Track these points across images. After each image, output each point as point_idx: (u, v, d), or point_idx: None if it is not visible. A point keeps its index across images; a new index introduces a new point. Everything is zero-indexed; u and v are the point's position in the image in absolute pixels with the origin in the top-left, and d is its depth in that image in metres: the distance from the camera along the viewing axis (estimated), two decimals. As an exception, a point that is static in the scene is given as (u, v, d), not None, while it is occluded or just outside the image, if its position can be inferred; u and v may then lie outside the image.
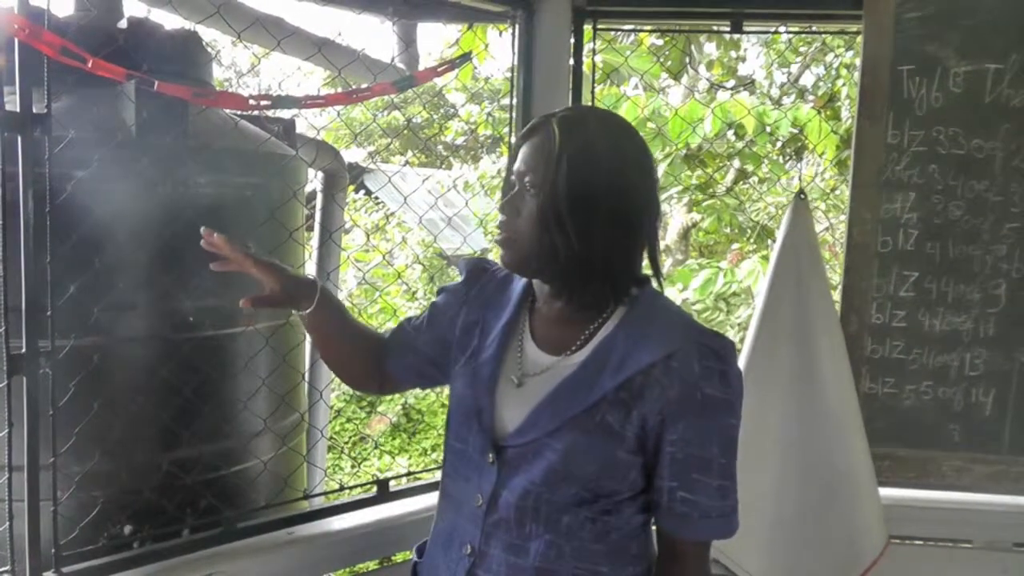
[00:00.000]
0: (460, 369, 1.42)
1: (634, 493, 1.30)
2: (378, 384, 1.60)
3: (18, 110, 1.54)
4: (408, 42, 2.99)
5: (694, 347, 1.25)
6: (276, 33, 2.41)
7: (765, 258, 5.73)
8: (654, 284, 1.37)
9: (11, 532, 1.62)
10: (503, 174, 1.35)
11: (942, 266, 2.35)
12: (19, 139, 1.54)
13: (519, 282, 1.44)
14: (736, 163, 6.79)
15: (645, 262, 1.35)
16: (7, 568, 1.63)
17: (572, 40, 2.39)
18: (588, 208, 1.23)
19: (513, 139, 2.33)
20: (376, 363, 1.55)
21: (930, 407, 2.40)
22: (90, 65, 1.54)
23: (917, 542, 2.46)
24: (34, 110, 1.56)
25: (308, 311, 1.46)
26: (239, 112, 2.29)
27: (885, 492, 2.30)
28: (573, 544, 1.27)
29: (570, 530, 1.27)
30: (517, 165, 1.30)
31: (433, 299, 1.55)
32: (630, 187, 1.27)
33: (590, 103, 2.50)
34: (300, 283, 1.47)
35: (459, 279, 1.53)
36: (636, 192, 1.28)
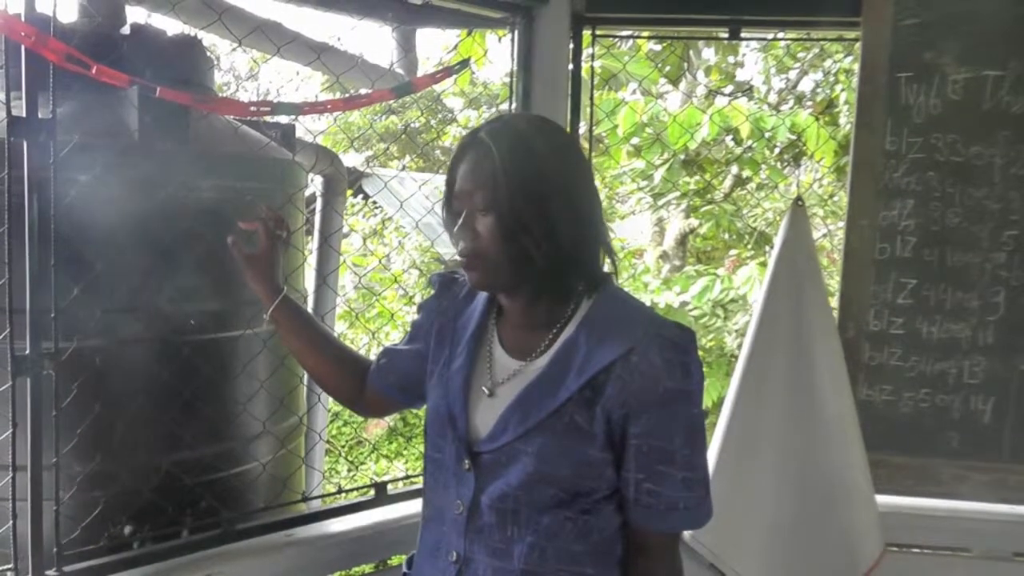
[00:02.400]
0: (434, 380, 1.45)
1: (611, 491, 1.31)
2: (364, 403, 1.65)
3: (24, 115, 1.55)
4: (407, 48, 3.00)
5: (654, 340, 1.27)
6: (276, 38, 2.42)
7: (763, 264, 5.74)
8: (612, 278, 1.39)
9: (14, 531, 1.62)
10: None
11: (940, 273, 2.36)
12: (25, 144, 1.55)
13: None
14: (734, 169, 6.80)
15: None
16: (10, 566, 1.63)
17: (571, 46, 2.40)
18: (544, 207, 1.26)
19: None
20: (359, 382, 1.62)
21: (928, 414, 2.40)
22: (94, 71, 1.55)
23: (914, 550, 2.46)
24: (40, 115, 1.57)
25: (268, 311, 1.61)
26: (239, 117, 2.30)
27: (882, 499, 2.29)
28: (556, 545, 1.29)
29: (551, 531, 1.29)
30: (459, 186, 1.31)
31: (414, 317, 1.59)
32: (572, 177, 1.31)
33: (589, 108, 2.51)
34: (274, 283, 1.63)
35: (432, 293, 1.57)
36: (579, 180, 1.32)
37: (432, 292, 1.56)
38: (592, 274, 1.34)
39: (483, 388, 1.37)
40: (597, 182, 1.42)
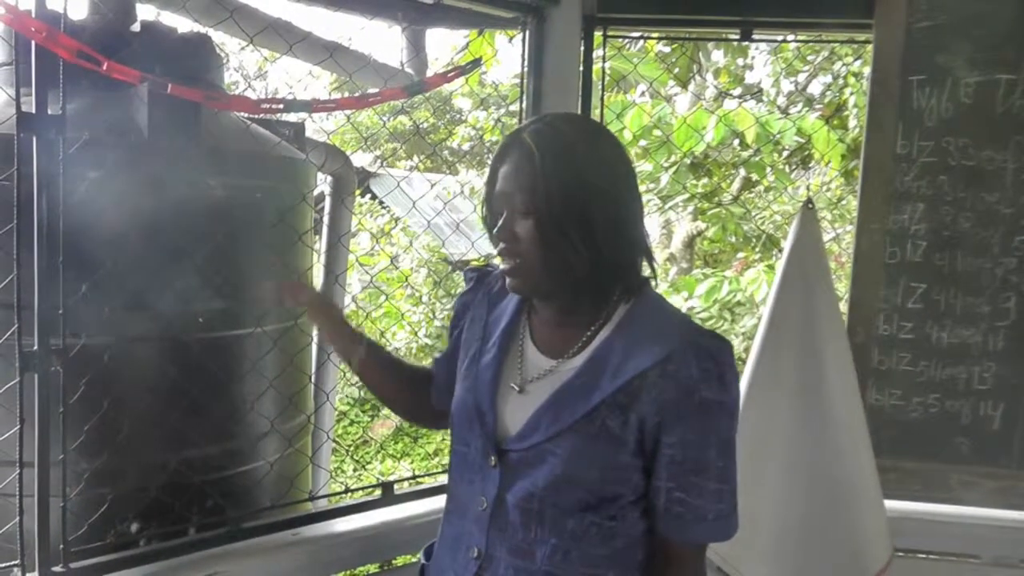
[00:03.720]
0: (463, 373, 1.44)
1: (637, 497, 1.30)
2: (434, 421, 1.66)
3: (34, 111, 1.55)
4: (417, 48, 3.00)
5: (691, 349, 1.25)
6: (288, 38, 2.42)
7: (770, 267, 5.73)
8: (651, 283, 1.38)
9: (21, 527, 1.63)
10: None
11: (951, 278, 2.34)
12: (34, 140, 1.55)
13: None
14: (742, 172, 6.79)
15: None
16: (17, 562, 1.64)
17: (582, 47, 2.39)
18: (585, 213, 1.24)
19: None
20: (428, 398, 1.61)
21: (937, 420, 2.39)
22: (105, 68, 1.55)
23: (922, 556, 2.44)
24: (49, 111, 1.56)
25: (357, 364, 1.58)
26: (250, 115, 2.29)
27: (891, 504, 2.27)
28: (580, 548, 1.28)
29: (575, 534, 1.28)
30: (500, 187, 1.31)
31: (449, 314, 1.59)
32: (615, 183, 1.29)
33: (598, 109, 2.50)
34: (351, 332, 1.59)
35: (465, 287, 1.56)
36: (622, 186, 1.30)
37: (466, 287, 1.56)
38: (630, 279, 1.33)
39: (512, 385, 1.36)
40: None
